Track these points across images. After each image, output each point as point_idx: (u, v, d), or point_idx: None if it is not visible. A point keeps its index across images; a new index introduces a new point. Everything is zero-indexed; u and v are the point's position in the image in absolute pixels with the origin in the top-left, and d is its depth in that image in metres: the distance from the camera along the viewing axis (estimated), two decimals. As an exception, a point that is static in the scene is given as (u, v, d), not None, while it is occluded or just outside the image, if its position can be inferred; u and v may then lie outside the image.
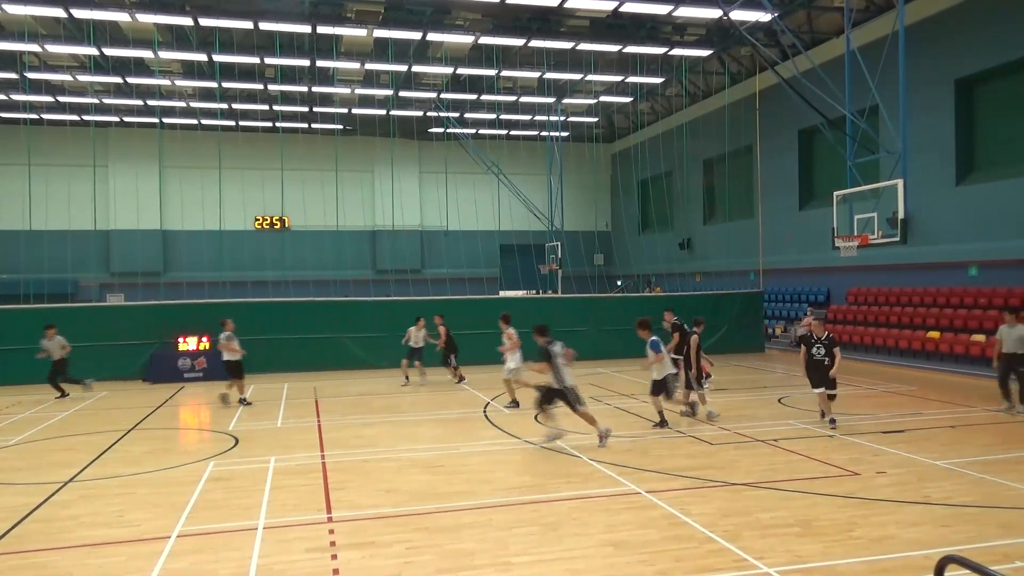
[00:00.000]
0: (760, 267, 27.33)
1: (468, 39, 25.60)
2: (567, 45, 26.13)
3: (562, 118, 36.62)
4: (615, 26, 25.44)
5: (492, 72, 29.11)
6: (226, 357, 15.53)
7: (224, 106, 33.39)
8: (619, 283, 41.99)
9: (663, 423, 12.15)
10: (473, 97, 32.79)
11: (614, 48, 26.72)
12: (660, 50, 27.21)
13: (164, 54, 26.12)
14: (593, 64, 28.83)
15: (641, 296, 29.85)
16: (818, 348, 11.87)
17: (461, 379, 18.41)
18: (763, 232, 27.53)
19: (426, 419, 13.74)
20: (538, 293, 36.87)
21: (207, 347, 19.92)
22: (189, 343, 19.92)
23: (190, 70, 29.08)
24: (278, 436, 12.23)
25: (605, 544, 6.85)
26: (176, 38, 25.47)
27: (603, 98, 34.40)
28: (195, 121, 36.41)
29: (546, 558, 6.57)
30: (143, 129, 37.18)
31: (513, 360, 14.30)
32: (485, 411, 14.33)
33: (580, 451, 10.57)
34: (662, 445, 10.99)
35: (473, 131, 38.29)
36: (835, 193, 19.26)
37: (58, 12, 22.04)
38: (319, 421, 13.59)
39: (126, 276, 36.80)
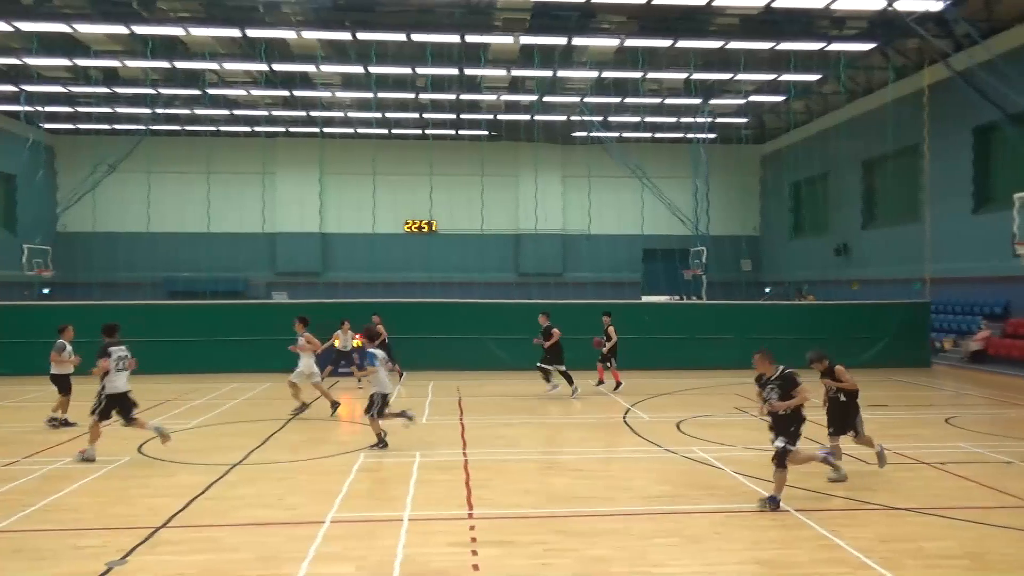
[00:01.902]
0: (927, 275, 25.30)
1: (613, 42, 25.47)
2: (716, 44, 25.41)
3: (709, 119, 35.63)
4: (767, 22, 24.45)
5: (637, 74, 28.80)
6: (54, 370, 12.92)
7: (379, 115, 35.08)
8: (767, 290, 40.26)
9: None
10: (617, 100, 32.57)
11: (766, 45, 25.69)
12: (816, 45, 25.87)
13: (326, 68, 27.83)
14: (743, 63, 27.85)
15: (792, 304, 28.44)
16: (771, 390, 8.38)
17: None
18: (931, 238, 25.47)
19: (566, 422, 13.78)
20: (681, 299, 36.04)
21: (359, 344, 20.96)
22: (343, 340, 21.01)
23: (348, 82, 30.78)
24: (423, 432, 12.67)
25: (750, 562, 6.59)
26: (336, 52, 27.06)
27: (753, 97, 33.15)
28: (352, 130, 38.52)
29: (686, 571, 6.41)
30: (306, 139, 39.78)
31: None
32: (625, 417, 14.17)
33: (725, 463, 10.22)
34: (814, 463, 10.41)
35: (617, 134, 38.02)
36: (1016, 196, 17.52)
37: (235, 33, 24.02)
38: (462, 420, 13.96)
39: (289, 276, 39.48)
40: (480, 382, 19.58)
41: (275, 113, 35.08)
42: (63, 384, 12.86)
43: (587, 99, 32.67)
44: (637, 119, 35.70)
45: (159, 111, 34.15)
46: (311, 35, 24.32)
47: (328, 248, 40.62)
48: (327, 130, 38.43)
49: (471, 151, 40.67)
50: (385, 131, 38.86)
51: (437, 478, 9.52)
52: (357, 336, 18.84)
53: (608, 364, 17.46)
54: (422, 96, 32.00)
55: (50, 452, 11.06)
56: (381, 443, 11.21)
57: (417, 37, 24.61)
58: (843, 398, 9.42)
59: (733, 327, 22.40)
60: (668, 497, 8.62)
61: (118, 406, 10.55)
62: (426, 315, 22.32)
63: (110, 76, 30.05)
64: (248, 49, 26.13)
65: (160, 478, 9.59)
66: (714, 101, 33.07)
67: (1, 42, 25.80)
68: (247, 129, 38.32)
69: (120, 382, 10.58)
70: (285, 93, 31.36)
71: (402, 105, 34.08)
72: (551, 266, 40.95)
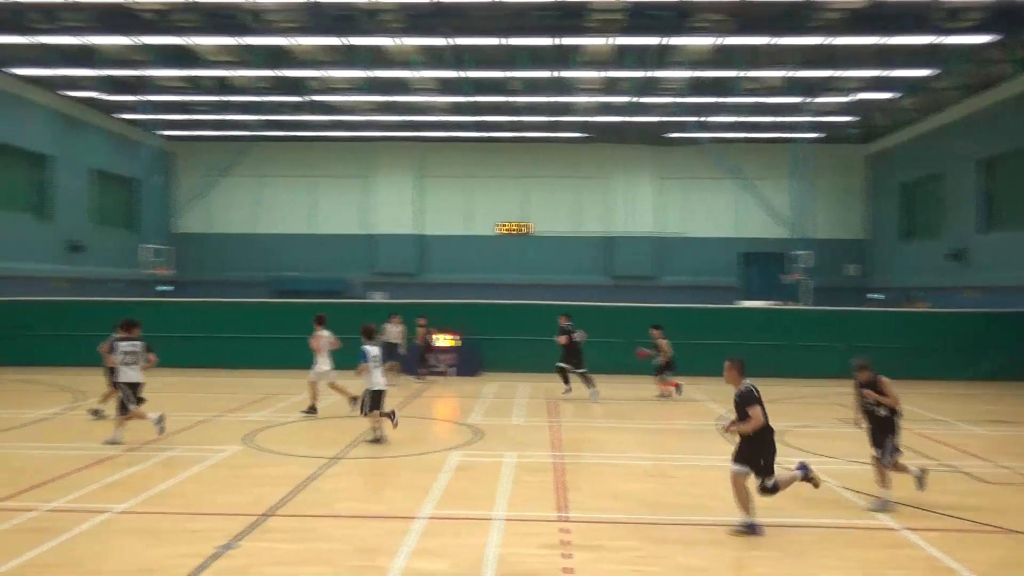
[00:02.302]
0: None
1: (710, 41, 24.93)
2: (819, 40, 24.47)
3: (811, 118, 34.33)
4: (875, 16, 23.35)
5: (735, 73, 28.08)
6: (110, 363, 12.64)
7: (474, 119, 35.56)
8: (875, 296, 38.41)
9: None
10: (714, 100, 31.85)
11: (873, 40, 24.55)
12: (929, 39, 24.52)
13: (423, 73, 28.45)
14: (848, 59, 26.69)
15: (902, 311, 27.03)
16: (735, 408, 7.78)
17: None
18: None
19: (658, 427, 13.57)
20: (781, 304, 34.87)
21: (456, 344, 21.32)
22: (439, 340, 21.43)
23: (444, 86, 31.35)
24: (516, 433, 12.76)
25: (854, 579, 6.32)
26: (433, 57, 27.62)
27: (859, 95, 31.71)
28: (448, 134, 39.22)
29: (786, 585, 6.21)
30: (404, 143, 40.76)
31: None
32: (718, 423, 13.82)
33: (827, 476, 9.83)
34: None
35: (713, 135, 37.19)
36: None
37: (337, 41, 24.89)
38: (553, 422, 13.97)
39: (387, 276, 40.53)
40: (572, 385, 19.51)
41: (374, 118, 36.09)
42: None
43: (682, 99, 32.09)
44: (734, 119, 34.80)
45: (267, 118, 35.74)
46: (408, 42, 24.94)
47: (424, 249, 41.46)
48: (424, 134, 39.28)
49: (565, 153, 40.69)
50: (480, 134, 39.34)
51: (529, 479, 9.57)
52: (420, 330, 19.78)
53: (664, 376, 17.04)
54: (516, 99, 32.24)
55: (167, 440, 11.76)
56: (376, 439, 11.65)
57: (511, 41, 24.82)
58: (883, 412, 8.61)
59: (837, 334, 21.46)
60: (765, 508, 8.34)
61: (134, 393, 11.58)
62: (518, 317, 22.46)
63: (222, 85, 31.69)
64: (349, 56, 27.00)
65: (265, 468, 10.04)
66: (817, 99, 31.84)
67: (125, 55, 27.62)
68: (348, 134, 39.62)
69: (131, 373, 11.57)
70: (384, 98, 32.23)
71: (496, 108, 34.42)
72: (644, 269, 40.43)
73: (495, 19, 23.90)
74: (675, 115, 34.37)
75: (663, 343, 16.94)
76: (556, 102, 32.82)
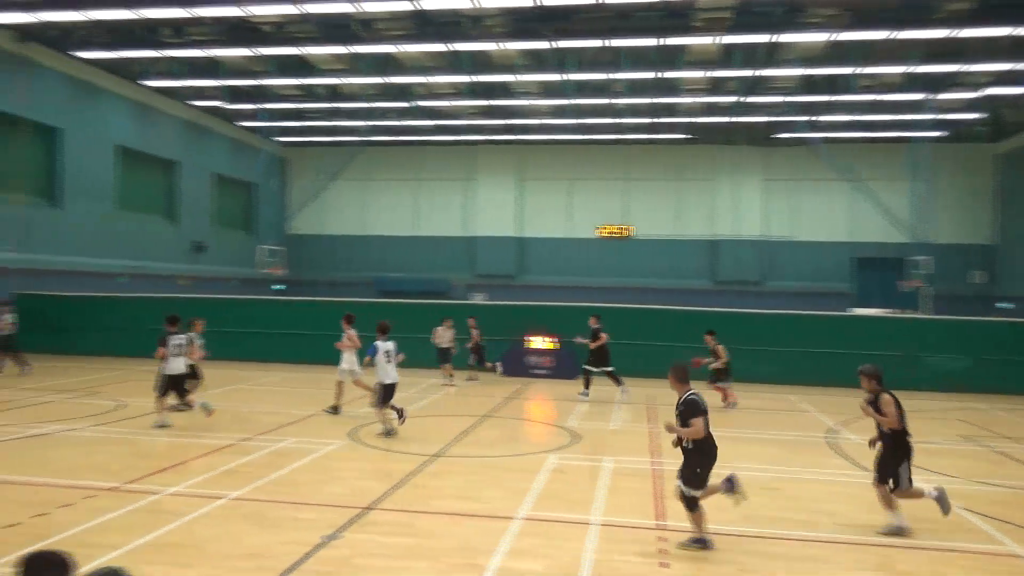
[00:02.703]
0: None
1: (824, 37, 23.93)
2: (943, 33, 23.04)
3: (934, 116, 32.38)
4: (1008, 5, 21.78)
5: (850, 70, 26.84)
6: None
7: (575, 121, 35.52)
8: (1004, 305, 35.83)
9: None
10: (827, 98, 30.55)
11: (1006, 31, 22.91)
12: (1072, 28, 22.65)
13: (525, 77, 28.66)
14: (977, 52, 25.01)
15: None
16: (676, 417, 7.46)
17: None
18: None
19: (761, 437, 13.13)
20: (899, 313, 33.05)
21: (554, 346, 21.34)
22: (537, 342, 21.51)
23: (546, 90, 31.46)
24: (612, 437, 12.64)
25: (976, 607, 5.91)
26: (535, 61, 27.78)
27: (988, 90, 29.65)
28: (549, 137, 39.34)
29: (899, 609, 5.87)
30: (505, 146, 41.18)
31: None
32: (829, 437, 13.24)
33: (953, 498, 9.23)
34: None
35: (825, 134, 35.68)
36: None
37: (442, 47, 25.43)
38: (652, 427, 13.75)
39: (487, 277, 41.06)
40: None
41: (477, 122, 36.64)
42: (191, 372, 13.96)
43: (792, 98, 30.95)
44: (848, 118, 33.25)
45: (374, 123, 36.92)
46: (511, 46, 25.18)
47: (524, 251, 41.73)
48: (525, 137, 39.55)
49: (667, 155, 40.06)
50: (581, 137, 39.26)
51: (627, 485, 9.46)
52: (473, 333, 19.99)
53: (720, 383, 16.26)
54: (618, 101, 31.97)
55: (279, 432, 12.32)
56: (387, 432, 12.11)
57: (614, 42, 24.63)
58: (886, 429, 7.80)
59: (961, 345, 20.16)
60: (877, 528, 7.92)
61: (174, 385, 12.42)
62: (617, 320, 22.23)
63: (333, 92, 32.99)
64: (454, 62, 27.54)
65: (369, 463, 10.36)
66: (941, 96, 29.99)
67: (245, 66, 29.20)
68: (451, 138, 40.40)
69: (177, 364, 12.46)
70: (486, 102, 32.67)
71: (598, 110, 34.26)
72: (750, 274, 39.24)
73: (598, 21, 23.80)
74: (784, 115, 33.20)
75: (719, 348, 16.22)
76: (659, 103, 32.35)
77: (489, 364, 20.43)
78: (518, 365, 21.45)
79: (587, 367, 17.12)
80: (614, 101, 31.96)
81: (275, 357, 21.64)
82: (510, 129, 37.99)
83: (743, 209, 39.40)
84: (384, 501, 8.44)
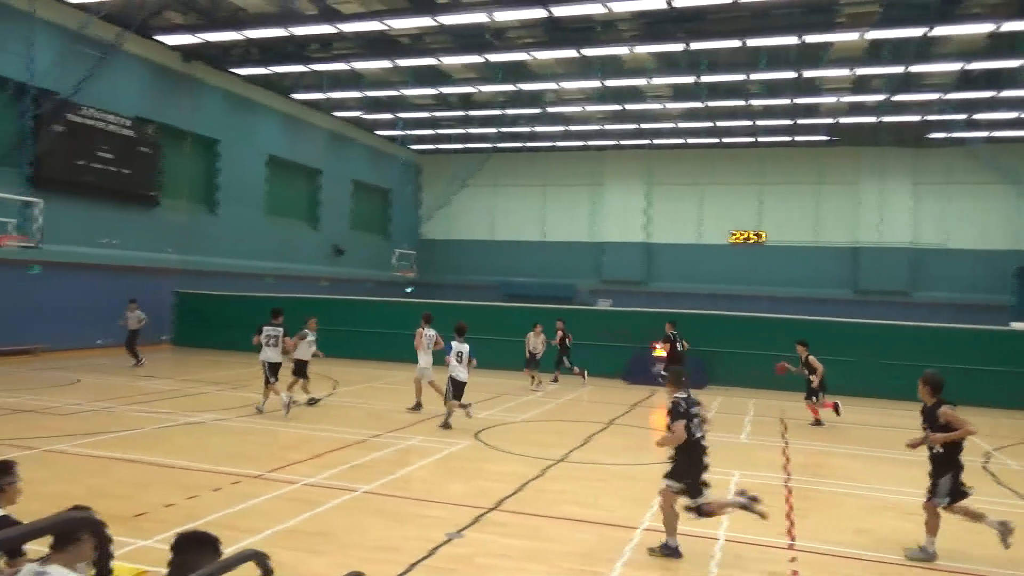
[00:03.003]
0: None
1: (986, 28, 22.09)
2: None
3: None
4: None
5: (1017, 63, 24.63)
6: (298, 356, 14.54)
7: (707, 124, 34.63)
8: None
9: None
10: (988, 95, 28.17)
11: None
12: None
13: (656, 80, 28.24)
14: None
15: None
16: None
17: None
18: None
19: (903, 458, 12.24)
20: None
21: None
22: (663, 349, 21.12)
23: (678, 93, 30.86)
24: (742, 451, 12.21)
25: None
26: (667, 64, 27.32)
27: None
28: (680, 141, 38.56)
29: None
30: (634, 151, 40.74)
31: None
32: (986, 462, 12.18)
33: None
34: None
35: (986, 134, 32.92)
36: None
37: (573, 53, 25.50)
38: (784, 442, 13.17)
39: (614, 283, 40.75)
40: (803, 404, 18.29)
41: (606, 127, 36.47)
42: (301, 368, 14.72)
43: (948, 95, 28.75)
44: (1012, 115, 30.50)
45: (505, 130, 37.54)
46: (644, 49, 24.88)
47: (652, 258, 41.10)
48: (655, 141, 38.96)
49: (806, 158, 38.30)
50: (713, 140, 38.22)
51: (755, 501, 9.09)
52: (559, 334, 20.09)
53: (815, 399, 14.98)
54: (754, 102, 30.87)
55: (407, 430, 12.76)
56: (446, 424, 12.82)
57: (751, 42, 23.80)
58: (938, 449, 7.12)
59: None
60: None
61: (272, 371, 13.58)
62: (749, 330, 21.47)
63: (466, 100, 33.83)
64: (584, 67, 27.55)
65: (492, 464, 10.53)
66: None
67: (384, 77, 30.49)
68: (579, 143, 40.43)
69: (268, 353, 13.63)
70: (616, 107, 32.46)
71: (732, 113, 33.23)
72: (896, 283, 36.78)
73: (733, 21, 23.11)
74: (938, 113, 30.91)
75: (814, 361, 14.92)
76: (797, 104, 30.97)
77: (576, 369, 20.29)
78: (643, 373, 21.13)
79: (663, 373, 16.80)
80: (749, 103, 30.89)
81: (409, 357, 22.42)
82: (640, 133, 37.54)
83: (889, 215, 37.02)
84: (507, 503, 8.55)
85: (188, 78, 27.29)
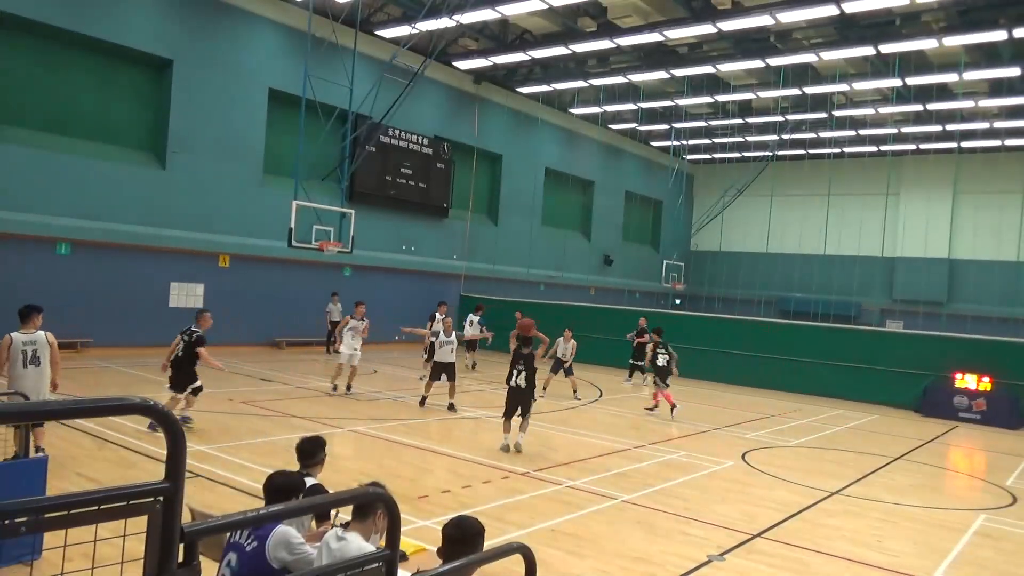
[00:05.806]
0: None
1: None
2: None
3: None
4: None
5: None
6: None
7: (1034, 123, 29.76)
8: None
9: None
10: None
11: None
12: None
13: (969, 75, 24.87)
14: None
15: None
16: None
17: None
18: None
19: None
20: None
21: (988, 388, 18.20)
22: (968, 381, 18.53)
23: (997, 88, 26.93)
24: (1069, 508, 10.31)
25: None
26: (984, 56, 23.99)
27: None
28: (998, 143, 33.55)
29: None
30: (938, 155, 36.29)
31: None
32: None
33: None
34: None
35: None
36: None
37: (867, 51, 23.40)
38: None
39: (907, 304, 36.63)
40: None
41: (904, 130, 32.92)
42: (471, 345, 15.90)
43: None
44: None
45: (785, 137, 35.54)
46: (954, 41, 22.04)
47: (956, 276, 36.26)
48: (964, 144, 34.31)
49: None
50: (1041, 141, 32.75)
51: (1087, 570, 7.62)
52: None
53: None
54: (1101, 95, 25.91)
55: (672, 443, 12.60)
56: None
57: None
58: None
59: None
60: None
61: (445, 371, 14.29)
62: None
63: (744, 108, 32.59)
64: (879, 66, 25.14)
65: (759, 489, 10.00)
66: None
67: (659, 88, 30.45)
68: (872, 149, 36.94)
69: (443, 350, 14.35)
70: (918, 107, 29.16)
71: (1069, 108, 28.23)
72: None
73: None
74: None
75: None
76: None
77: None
78: (942, 405, 18.73)
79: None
80: (1094, 95, 26.01)
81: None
82: (947, 136, 33.32)
83: None
84: (774, 531, 8.07)
85: (478, 98, 29.58)
